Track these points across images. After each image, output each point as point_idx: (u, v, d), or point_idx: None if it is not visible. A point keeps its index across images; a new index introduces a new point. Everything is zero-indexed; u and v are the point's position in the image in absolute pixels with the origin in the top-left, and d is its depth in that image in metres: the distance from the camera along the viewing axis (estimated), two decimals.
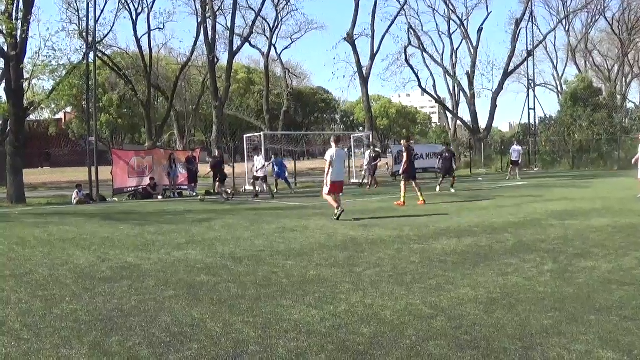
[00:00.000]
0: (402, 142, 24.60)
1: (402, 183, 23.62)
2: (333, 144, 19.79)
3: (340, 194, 19.93)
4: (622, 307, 7.91)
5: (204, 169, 33.28)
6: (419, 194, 23.23)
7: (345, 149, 20.72)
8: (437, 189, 30.19)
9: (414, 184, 23.48)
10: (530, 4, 64.89)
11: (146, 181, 33.09)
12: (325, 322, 7.44)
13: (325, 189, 19.63)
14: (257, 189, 31.67)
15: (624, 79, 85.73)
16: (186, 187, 34.88)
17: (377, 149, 41.13)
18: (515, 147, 44.56)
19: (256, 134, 40.41)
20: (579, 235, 14.48)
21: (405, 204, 22.73)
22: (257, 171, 31.24)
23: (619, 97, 76.53)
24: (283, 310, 8.00)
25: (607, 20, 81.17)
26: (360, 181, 39.90)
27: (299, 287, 9.37)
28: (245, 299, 8.65)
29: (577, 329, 7.01)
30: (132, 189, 33.21)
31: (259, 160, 31.28)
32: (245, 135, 41.33)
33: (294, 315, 7.76)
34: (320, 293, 8.93)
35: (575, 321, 7.32)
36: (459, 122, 74.94)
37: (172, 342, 6.82)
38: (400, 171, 24.40)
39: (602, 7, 79.21)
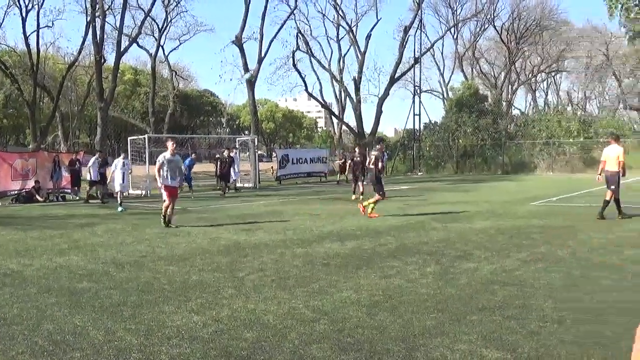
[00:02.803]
0: (378, 146, 21.99)
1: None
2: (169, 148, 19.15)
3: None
4: (505, 307, 8.13)
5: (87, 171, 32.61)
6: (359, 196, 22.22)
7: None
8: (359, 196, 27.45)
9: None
10: (419, 12, 65.78)
11: (30, 184, 32.25)
12: (207, 328, 7.46)
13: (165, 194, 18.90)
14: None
15: (510, 86, 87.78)
16: (69, 191, 34.05)
17: (230, 154, 40.49)
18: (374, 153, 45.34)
19: (141, 137, 39.67)
20: (461, 237, 14.88)
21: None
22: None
23: (504, 103, 78.38)
24: (165, 317, 7.99)
25: (496, 29, 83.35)
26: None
27: (181, 292, 9.36)
28: (127, 306, 8.59)
29: (459, 329, 7.21)
30: (16, 192, 32.33)
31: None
32: (129, 138, 40.66)
33: (176, 322, 7.75)
34: (203, 298, 8.94)
35: (458, 321, 7.53)
36: (344, 127, 75.42)
37: (55, 350, 6.73)
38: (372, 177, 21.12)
39: (492, 16, 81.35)
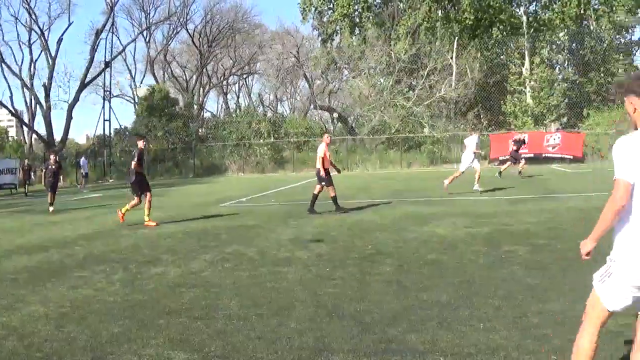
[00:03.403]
0: (140, 143, 19.51)
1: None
2: None
3: None
4: (192, 309, 8.33)
5: None
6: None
7: None
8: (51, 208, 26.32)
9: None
10: (112, 14, 65.12)
11: None
12: None
13: None
14: None
15: (201, 89, 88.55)
16: None
17: None
18: (84, 160, 45.09)
19: None
20: (150, 243, 15.00)
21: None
22: None
23: (195, 106, 78.99)
24: None
25: (188, 32, 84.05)
26: None
27: None
28: None
29: (147, 334, 7.31)
30: None
31: None
32: None
33: None
34: None
35: (145, 327, 7.62)
36: (35, 135, 73.32)
37: None
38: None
39: (185, 20, 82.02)
